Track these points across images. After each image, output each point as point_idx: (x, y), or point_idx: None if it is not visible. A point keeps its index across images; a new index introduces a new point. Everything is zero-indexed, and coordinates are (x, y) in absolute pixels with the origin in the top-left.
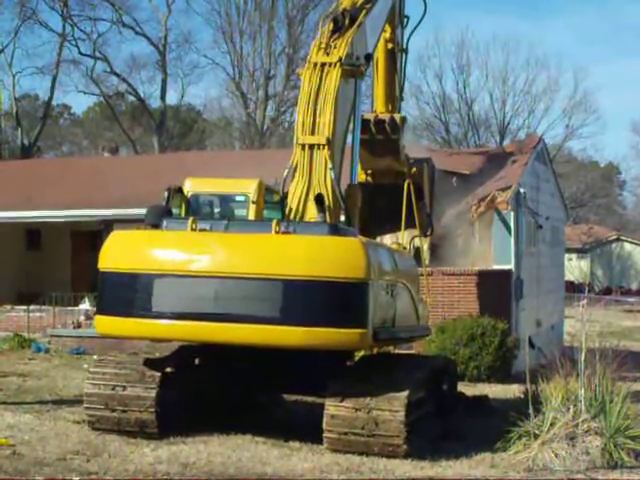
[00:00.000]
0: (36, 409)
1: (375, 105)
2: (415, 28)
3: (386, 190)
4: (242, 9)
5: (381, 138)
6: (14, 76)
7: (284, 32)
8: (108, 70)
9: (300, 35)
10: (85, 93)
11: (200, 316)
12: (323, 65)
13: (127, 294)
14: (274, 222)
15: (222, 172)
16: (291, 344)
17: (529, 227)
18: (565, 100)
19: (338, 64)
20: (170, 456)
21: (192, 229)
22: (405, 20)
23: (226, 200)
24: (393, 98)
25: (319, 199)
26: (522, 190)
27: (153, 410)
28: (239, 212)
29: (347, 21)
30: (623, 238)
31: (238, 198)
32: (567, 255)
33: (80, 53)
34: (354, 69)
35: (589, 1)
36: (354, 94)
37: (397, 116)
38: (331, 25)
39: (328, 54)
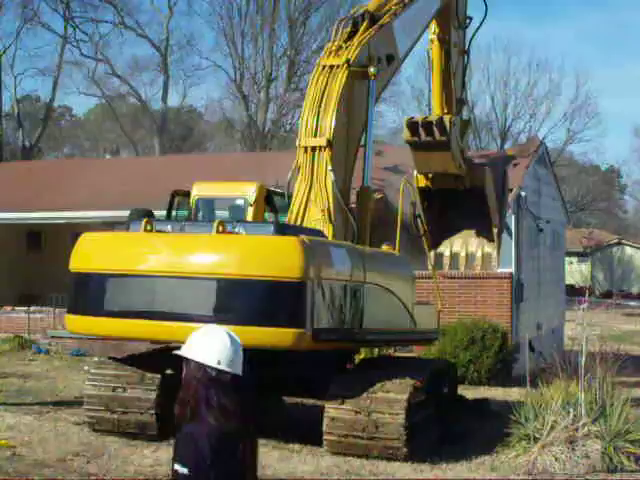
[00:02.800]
0: (36, 410)
1: (432, 108)
2: (477, 30)
3: (448, 193)
4: (244, 11)
5: (429, 140)
6: (16, 77)
7: (286, 34)
8: (110, 72)
9: (302, 37)
10: (86, 95)
11: (142, 315)
12: (331, 67)
13: (86, 293)
14: (216, 222)
15: (223, 174)
16: None
17: (530, 230)
18: (566, 103)
19: (345, 66)
20: (170, 458)
21: (146, 230)
22: (467, 21)
23: (227, 203)
24: (450, 100)
25: (268, 198)
26: (523, 194)
27: (153, 412)
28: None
29: (366, 23)
30: (624, 242)
31: (238, 201)
32: (568, 259)
33: (82, 55)
34: (364, 71)
35: (592, 4)
36: (367, 95)
37: (447, 117)
38: (350, 28)
39: (339, 56)
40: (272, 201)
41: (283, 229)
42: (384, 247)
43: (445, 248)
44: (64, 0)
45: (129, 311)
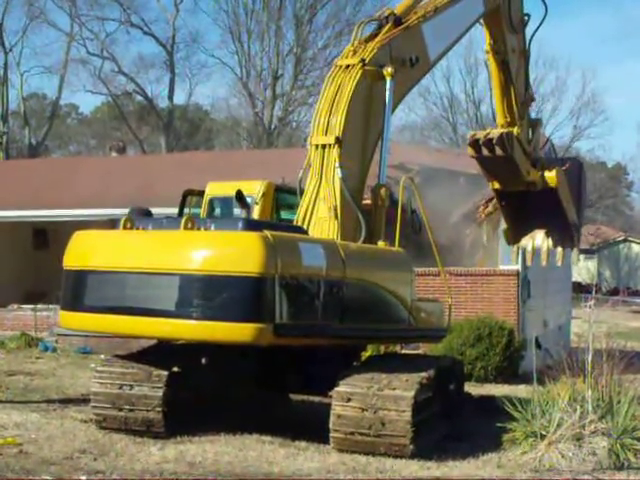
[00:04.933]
0: (43, 408)
1: (496, 116)
2: (536, 29)
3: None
4: (250, 9)
5: (490, 156)
6: (22, 75)
7: (292, 32)
8: (116, 70)
9: (308, 35)
10: (93, 93)
11: (114, 310)
12: (347, 67)
13: (72, 290)
14: (184, 218)
15: (230, 172)
16: (186, 337)
17: None
18: (573, 100)
19: (359, 65)
20: (177, 455)
21: (125, 228)
22: (526, 18)
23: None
24: (511, 109)
25: (238, 196)
26: None
27: (160, 409)
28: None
29: (390, 24)
30: (631, 239)
31: (247, 200)
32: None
33: (88, 53)
34: (379, 70)
35: (598, 1)
36: (386, 95)
37: (507, 132)
38: (374, 30)
39: (355, 57)
40: (243, 198)
41: (251, 225)
42: (380, 243)
43: (527, 242)
44: None
45: (104, 307)
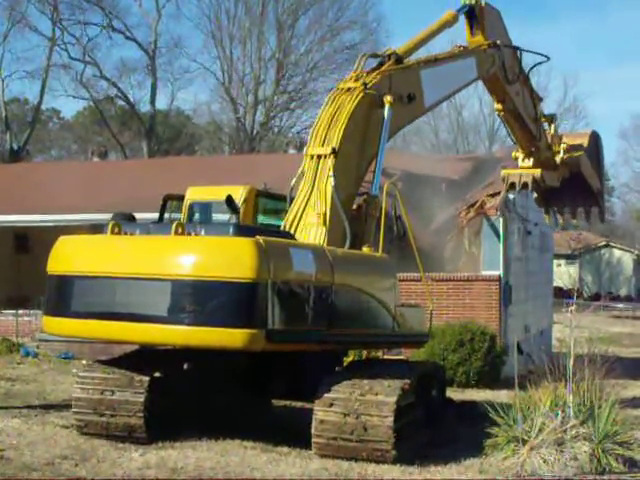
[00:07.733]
0: (24, 413)
1: (518, 147)
2: (532, 68)
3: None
4: (232, 14)
5: (525, 190)
6: (3, 80)
7: (274, 37)
8: (98, 74)
9: (290, 40)
10: (75, 97)
11: (102, 315)
12: (349, 89)
13: (57, 295)
14: (175, 224)
15: (212, 177)
16: (178, 343)
17: (518, 233)
18: (554, 106)
19: (360, 88)
20: (159, 461)
21: (113, 233)
22: (518, 54)
23: (218, 207)
24: (531, 144)
25: (229, 200)
26: (511, 196)
27: (141, 415)
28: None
29: (392, 61)
30: (612, 244)
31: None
32: (556, 261)
33: (70, 57)
34: (379, 96)
35: (580, 7)
36: (384, 120)
37: (535, 173)
38: (375, 65)
39: (357, 81)
40: (233, 203)
41: (243, 231)
42: (365, 249)
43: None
44: (52, 2)
45: (92, 312)
